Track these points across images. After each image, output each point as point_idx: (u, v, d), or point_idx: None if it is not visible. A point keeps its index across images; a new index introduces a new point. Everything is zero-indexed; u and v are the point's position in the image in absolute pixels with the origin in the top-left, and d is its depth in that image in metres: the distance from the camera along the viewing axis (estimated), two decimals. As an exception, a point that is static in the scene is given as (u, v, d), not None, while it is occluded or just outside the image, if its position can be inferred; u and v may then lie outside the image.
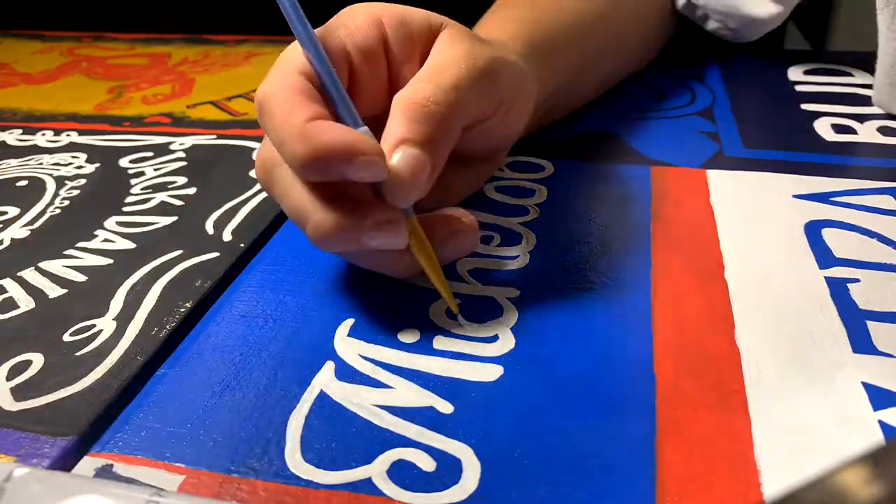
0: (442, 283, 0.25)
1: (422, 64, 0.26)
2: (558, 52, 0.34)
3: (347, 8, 0.26)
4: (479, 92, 0.25)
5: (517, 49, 0.31)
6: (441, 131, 0.23)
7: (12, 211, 0.35)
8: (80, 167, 0.39)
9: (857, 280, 0.26)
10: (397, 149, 0.22)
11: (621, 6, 0.41)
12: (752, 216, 0.30)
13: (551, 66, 0.33)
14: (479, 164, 0.32)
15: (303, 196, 0.23)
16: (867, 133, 0.37)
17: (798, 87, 0.44)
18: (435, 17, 0.26)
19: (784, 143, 0.37)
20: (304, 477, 0.19)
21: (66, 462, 0.20)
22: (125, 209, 0.34)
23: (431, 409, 0.21)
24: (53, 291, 0.28)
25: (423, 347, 0.24)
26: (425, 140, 0.23)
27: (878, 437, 0.20)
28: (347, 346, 0.24)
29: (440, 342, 0.24)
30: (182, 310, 0.26)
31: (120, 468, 0.20)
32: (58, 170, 0.39)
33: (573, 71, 0.36)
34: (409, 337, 0.24)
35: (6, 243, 0.32)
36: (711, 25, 0.47)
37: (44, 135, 0.44)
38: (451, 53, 0.25)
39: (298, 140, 0.21)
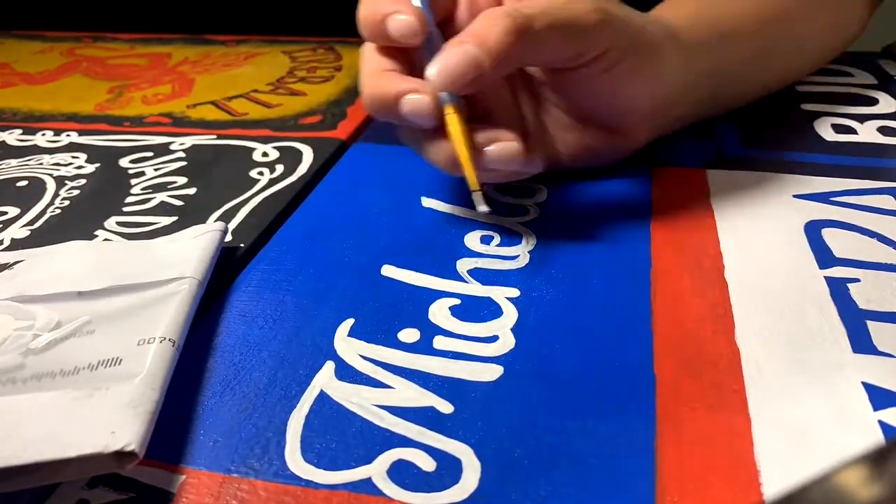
0: (468, 164, 0.27)
1: None
2: (727, 37, 0.34)
3: None
4: (559, 35, 0.26)
5: (678, 23, 0.32)
6: (502, 47, 0.25)
7: (12, 211, 0.35)
8: (80, 167, 0.39)
9: (857, 280, 0.26)
10: (460, 44, 0.26)
11: (806, 6, 0.40)
12: (752, 216, 0.30)
13: (716, 48, 0.33)
14: (599, 131, 0.32)
15: (365, 67, 0.28)
16: (867, 133, 0.37)
17: (798, 87, 0.44)
18: None
19: (784, 143, 0.37)
20: (304, 477, 0.19)
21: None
22: (125, 209, 0.34)
23: (431, 409, 0.21)
24: (53, 291, 0.28)
25: (423, 347, 0.24)
26: (484, 45, 0.25)
27: (878, 437, 0.20)
28: (347, 346, 0.24)
29: (440, 342, 0.24)
30: (182, 310, 0.26)
31: (120, 468, 0.20)
32: (58, 170, 0.39)
33: (744, 59, 0.36)
34: (409, 337, 0.24)
35: (6, 243, 0.32)
36: None
37: (44, 135, 0.44)
38: None
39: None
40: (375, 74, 0.28)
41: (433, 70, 0.26)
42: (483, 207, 0.27)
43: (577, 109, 0.32)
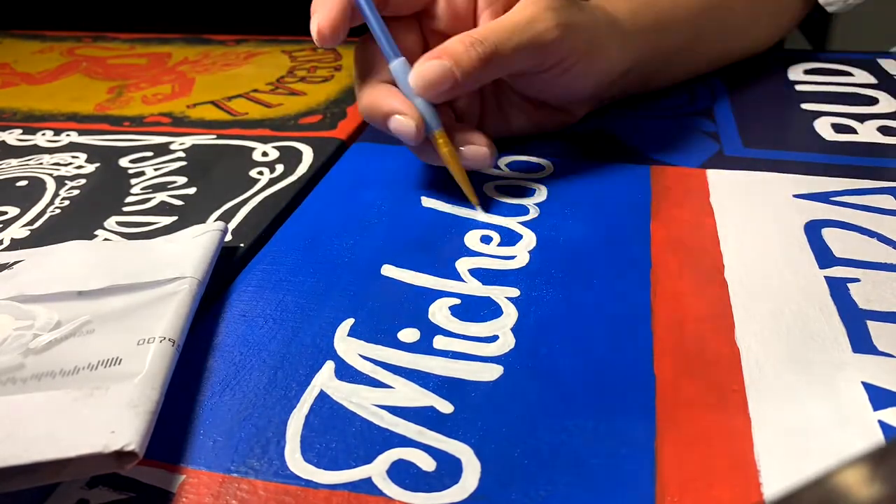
0: (463, 180, 0.31)
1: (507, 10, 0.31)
2: (664, 28, 0.38)
3: None
4: (524, 54, 0.30)
5: (618, 18, 0.35)
6: (474, 69, 0.28)
7: (12, 211, 0.35)
8: (80, 167, 0.39)
9: (857, 280, 0.26)
10: (438, 58, 0.29)
11: None
12: (752, 216, 0.30)
13: (654, 40, 0.37)
14: (547, 111, 0.37)
15: (358, 73, 0.31)
16: (867, 133, 0.37)
17: (798, 87, 0.44)
18: None
19: (784, 143, 0.37)
20: (304, 477, 0.19)
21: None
22: (125, 209, 0.34)
23: (431, 409, 0.21)
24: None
25: (423, 347, 0.24)
26: (459, 65, 0.28)
27: (878, 437, 0.20)
28: (347, 345, 0.24)
29: (440, 342, 0.24)
30: (182, 310, 0.26)
31: (120, 468, 0.20)
32: (58, 170, 0.39)
33: (678, 47, 0.40)
34: (409, 337, 0.24)
35: (6, 243, 0.32)
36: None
37: (44, 135, 0.44)
38: (515, 18, 0.30)
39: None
40: (370, 85, 0.31)
41: (412, 77, 0.29)
42: (482, 215, 0.31)
43: (533, 97, 0.36)
